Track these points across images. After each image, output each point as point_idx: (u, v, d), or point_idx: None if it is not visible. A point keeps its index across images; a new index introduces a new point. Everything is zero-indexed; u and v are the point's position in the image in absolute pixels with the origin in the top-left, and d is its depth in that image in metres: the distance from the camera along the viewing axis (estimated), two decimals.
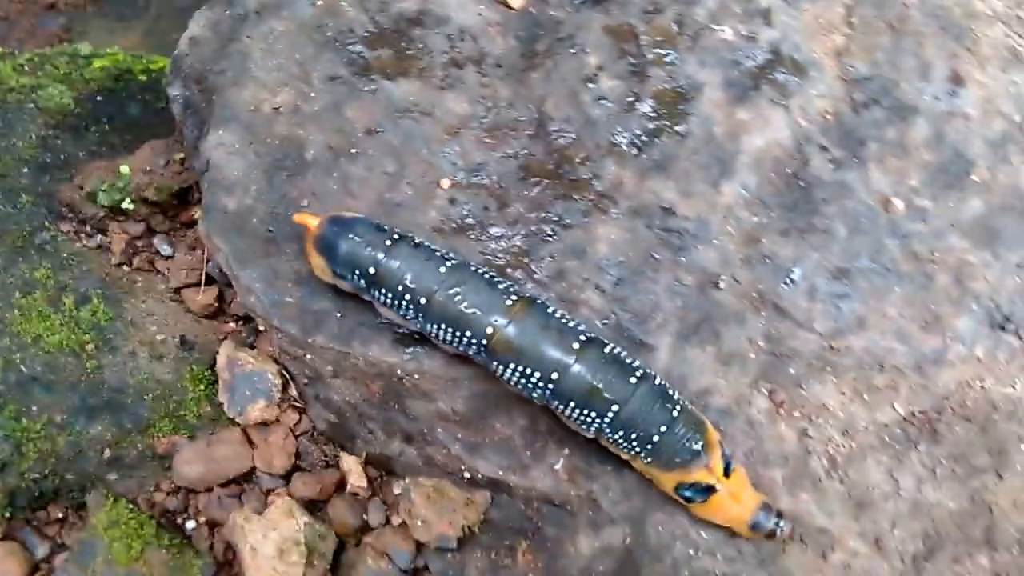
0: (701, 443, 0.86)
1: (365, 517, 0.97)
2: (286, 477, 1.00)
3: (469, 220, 0.97)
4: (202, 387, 1.03)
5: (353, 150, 1.00)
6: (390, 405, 0.96)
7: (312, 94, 1.02)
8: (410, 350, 0.93)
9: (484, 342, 0.86)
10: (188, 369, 1.03)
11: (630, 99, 1.02)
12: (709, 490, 0.87)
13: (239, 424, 1.00)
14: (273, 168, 0.99)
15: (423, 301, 0.86)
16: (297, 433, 1.01)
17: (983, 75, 1.07)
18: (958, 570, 0.92)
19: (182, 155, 1.12)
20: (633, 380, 0.85)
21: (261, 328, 1.04)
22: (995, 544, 0.92)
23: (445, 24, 1.06)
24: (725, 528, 0.89)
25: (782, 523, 0.88)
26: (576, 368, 0.84)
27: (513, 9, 1.07)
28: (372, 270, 0.88)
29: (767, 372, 0.95)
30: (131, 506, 0.96)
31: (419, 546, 0.96)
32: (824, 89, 1.04)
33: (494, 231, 0.96)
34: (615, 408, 0.84)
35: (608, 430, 0.86)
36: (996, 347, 0.96)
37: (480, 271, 0.88)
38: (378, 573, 0.94)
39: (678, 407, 0.86)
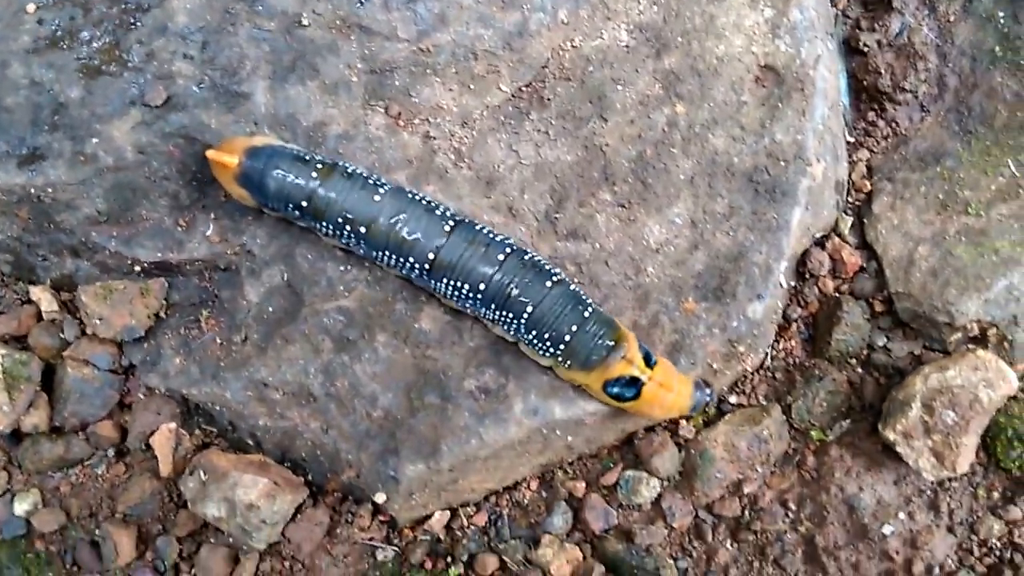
0: (613, 338, 0.90)
1: (63, 336, 1.03)
2: None
3: (59, 33, 1.00)
4: None
5: None
6: (45, 226, 1.00)
7: None
8: (32, 166, 0.98)
9: (427, 265, 0.91)
10: None
11: None
12: (636, 383, 0.90)
13: None
14: None
15: (363, 230, 0.91)
16: None
17: None
18: (585, 211, 1.00)
19: None
20: (548, 284, 0.90)
21: None
22: (613, 179, 1.00)
23: None
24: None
25: (712, 390, 0.95)
26: (497, 276, 0.90)
27: None
28: (305, 203, 0.91)
29: (375, 90, 1.00)
30: None
31: (120, 346, 1.02)
32: None
33: (84, 35, 0.99)
34: (529, 309, 0.90)
35: (523, 330, 0.91)
36: (577, 6, 1.01)
37: (413, 195, 0.92)
38: (83, 379, 1.00)
39: (589, 309, 0.91)
